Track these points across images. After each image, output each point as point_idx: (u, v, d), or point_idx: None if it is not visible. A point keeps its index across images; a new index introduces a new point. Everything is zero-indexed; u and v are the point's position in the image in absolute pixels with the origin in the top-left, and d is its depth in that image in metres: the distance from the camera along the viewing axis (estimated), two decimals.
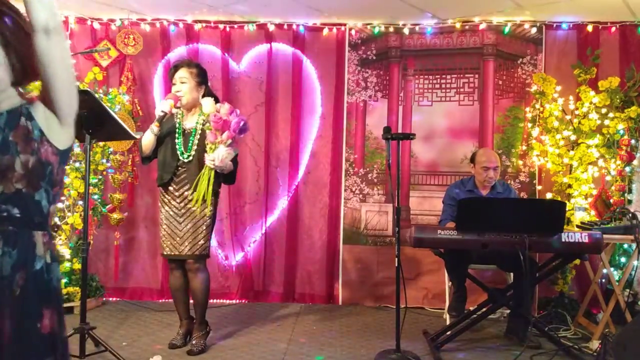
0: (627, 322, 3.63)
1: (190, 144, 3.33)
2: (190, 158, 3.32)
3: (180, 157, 3.34)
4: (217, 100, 3.48)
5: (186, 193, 3.33)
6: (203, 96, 3.41)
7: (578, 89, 4.28)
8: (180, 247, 3.34)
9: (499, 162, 3.96)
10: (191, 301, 3.52)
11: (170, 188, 3.38)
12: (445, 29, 4.67)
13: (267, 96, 4.75)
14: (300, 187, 4.78)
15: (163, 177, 3.39)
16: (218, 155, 3.20)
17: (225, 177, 3.43)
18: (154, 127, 3.30)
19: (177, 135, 3.36)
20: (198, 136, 3.34)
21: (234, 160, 3.40)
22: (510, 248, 3.17)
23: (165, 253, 3.43)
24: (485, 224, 3.20)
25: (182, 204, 3.34)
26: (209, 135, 3.26)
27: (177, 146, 3.35)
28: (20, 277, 1.37)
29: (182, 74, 3.36)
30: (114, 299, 4.65)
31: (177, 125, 3.39)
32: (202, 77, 3.42)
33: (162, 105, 3.34)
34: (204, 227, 3.35)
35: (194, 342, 3.41)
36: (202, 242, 3.35)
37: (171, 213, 3.37)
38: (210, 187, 3.27)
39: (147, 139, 3.36)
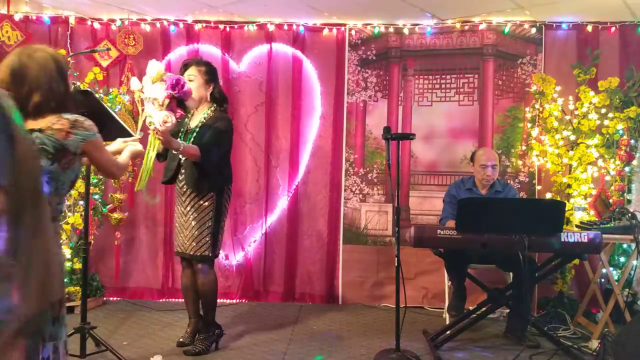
0: (626, 321, 3.63)
1: (187, 142, 3.27)
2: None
3: (180, 155, 3.34)
4: (226, 101, 3.46)
5: (188, 191, 3.33)
6: (211, 94, 3.37)
7: (577, 89, 4.29)
8: (185, 244, 3.33)
9: (498, 161, 3.97)
10: None
11: (177, 186, 3.40)
12: (445, 29, 4.67)
13: (267, 96, 4.76)
14: (300, 187, 4.79)
15: (163, 177, 3.43)
16: (156, 118, 2.93)
17: (196, 163, 3.25)
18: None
19: (180, 134, 3.36)
20: (195, 134, 3.31)
21: (207, 148, 3.22)
22: (510, 248, 3.18)
23: (175, 250, 3.47)
24: (485, 224, 3.20)
25: (186, 202, 3.34)
26: (146, 105, 2.97)
27: None
28: None
29: (191, 71, 3.34)
30: (115, 298, 4.66)
31: (184, 124, 3.40)
32: (210, 75, 3.38)
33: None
34: (207, 227, 3.30)
35: (195, 342, 3.41)
36: (206, 242, 3.30)
37: (179, 211, 3.40)
38: (150, 164, 3.00)
39: None
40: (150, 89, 2.96)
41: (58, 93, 1.97)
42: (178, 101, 3.19)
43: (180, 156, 3.33)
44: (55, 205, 1.98)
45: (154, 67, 3.01)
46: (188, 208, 3.33)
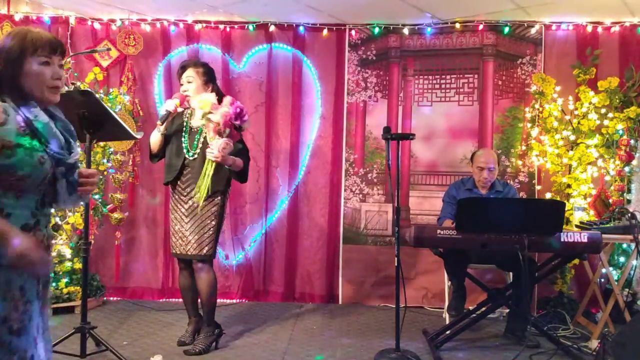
0: (626, 321, 3.64)
1: (195, 142, 3.33)
2: (195, 156, 3.32)
3: (186, 155, 3.34)
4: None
5: (192, 192, 3.32)
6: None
7: (577, 89, 4.29)
8: (187, 246, 3.33)
9: (497, 163, 3.96)
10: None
11: (178, 187, 3.39)
12: (445, 30, 4.68)
13: (267, 96, 4.76)
14: (300, 187, 4.79)
15: (167, 177, 3.43)
16: (215, 145, 3.11)
17: (237, 174, 3.37)
18: (159, 126, 3.33)
19: (183, 133, 3.37)
20: (204, 134, 3.32)
21: (245, 157, 3.37)
22: (510, 248, 3.18)
23: (173, 252, 3.45)
24: (485, 224, 3.20)
25: (189, 203, 3.34)
26: (208, 129, 3.18)
27: (183, 144, 3.36)
28: None
29: (189, 73, 3.36)
30: (115, 298, 4.66)
31: (185, 123, 3.40)
32: (209, 76, 3.39)
33: (167, 104, 3.33)
34: (211, 227, 3.32)
35: (195, 342, 3.41)
36: (207, 242, 3.32)
37: (179, 212, 3.38)
38: (209, 180, 3.18)
39: (154, 137, 3.39)
40: (217, 116, 3.09)
41: None
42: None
43: (187, 156, 3.33)
44: None
45: (204, 101, 3.13)
46: (190, 210, 3.33)
